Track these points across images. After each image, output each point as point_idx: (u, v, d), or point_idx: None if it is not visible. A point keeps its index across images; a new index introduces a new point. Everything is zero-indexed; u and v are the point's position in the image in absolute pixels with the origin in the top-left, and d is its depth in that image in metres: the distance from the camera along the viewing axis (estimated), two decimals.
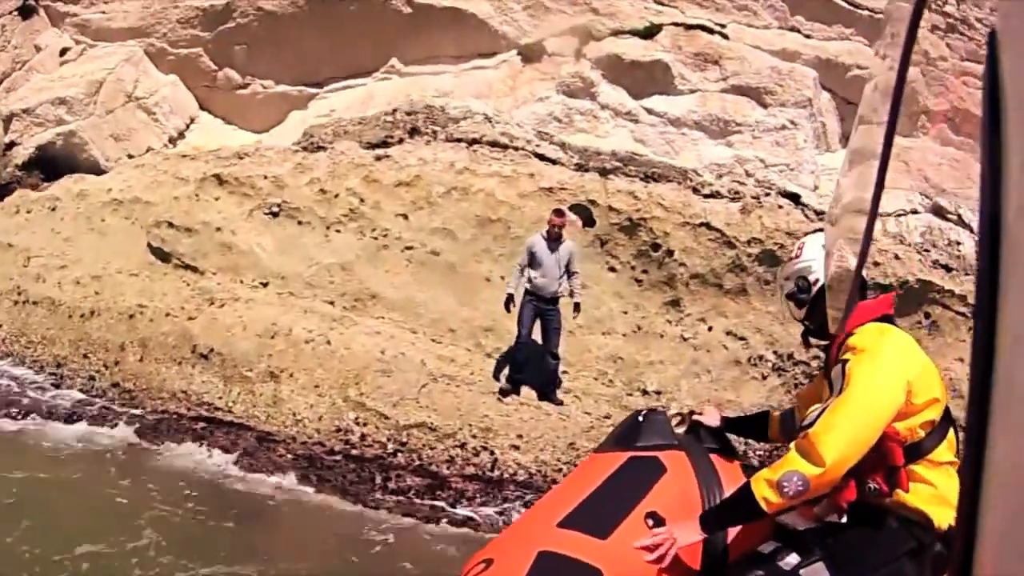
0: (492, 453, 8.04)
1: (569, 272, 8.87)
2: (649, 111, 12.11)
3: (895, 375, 2.39)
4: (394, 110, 11.29)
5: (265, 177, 10.65)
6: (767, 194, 11.34)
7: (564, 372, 9.05)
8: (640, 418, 2.89)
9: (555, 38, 12.89)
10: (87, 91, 14.16)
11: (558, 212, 8.95)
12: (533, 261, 8.77)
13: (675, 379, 9.45)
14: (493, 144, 10.73)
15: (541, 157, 10.72)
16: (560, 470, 7.73)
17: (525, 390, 8.85)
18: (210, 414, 9.00)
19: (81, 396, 9.65)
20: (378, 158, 10.61)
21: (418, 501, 7.58)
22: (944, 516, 2.34)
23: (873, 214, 1.18)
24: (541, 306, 8.77)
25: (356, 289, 9.81)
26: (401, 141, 10.86)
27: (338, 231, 10.24)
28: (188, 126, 14.60)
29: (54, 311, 10.60)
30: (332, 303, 9.77)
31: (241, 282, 10.11)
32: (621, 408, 8.64)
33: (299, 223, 10.37)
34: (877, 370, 2.38)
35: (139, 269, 10.71)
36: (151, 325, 9.90)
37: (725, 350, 9.52)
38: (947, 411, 2.48)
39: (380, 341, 9.23)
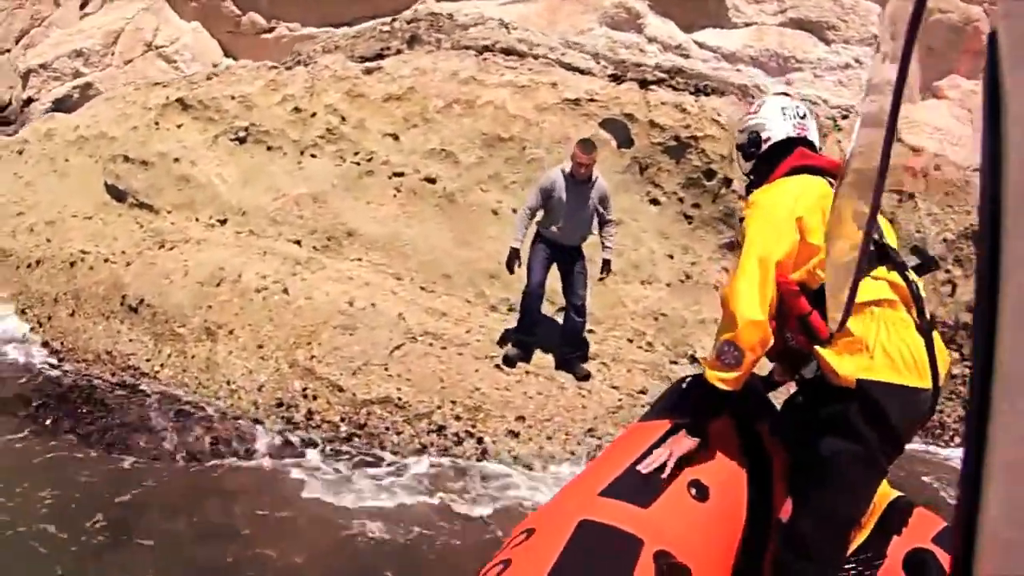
0: (480, 441, 5.04)
1: (602, 221, 5.70)
2: (700, 45, 9.51)
3: (781, 216, 2.19)
4: (393, 19, 8.19)
5: (232, 98, 7.77)
6: (844, 116, 8.08)
7: (590, 331, 5.88)
8: (684, 385, 2.66)
9: None
10: (104, 42, 12.08)
11: (585, 146, 5.56)
12: (550, 205, 5.64)
13: None
14: (508, 52, 7.59)
15: (567, 67, 7.49)
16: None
17: (537, 355, 5.70)
18: (135, 380, 6.16)
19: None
20: (368, 71, 7.61)
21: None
22: (855, 367, 2.05)
23: (875, 209, 1.14)
24: (558, 252, 5.64)
25: (329, 225, 6.83)
26: (399, 52, 7.75)
27: (313, 155, 7.29)
28: None
29: (3, 262, 7.95)
30: (298, 242, 6.83)
31: (197, 220, 7.19)
32: (661, 379, 5.52)
33: (268, 148, 7.47)
34: (763, 216, 2.23)
35: (95, 211, 7.96)
36: (89, 274, 7.17)
37: None
38: (878, 250, 2.17)
39: (350, 289, 6.25)
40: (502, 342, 5.84)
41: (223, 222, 7.18)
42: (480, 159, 7.01)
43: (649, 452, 2.24)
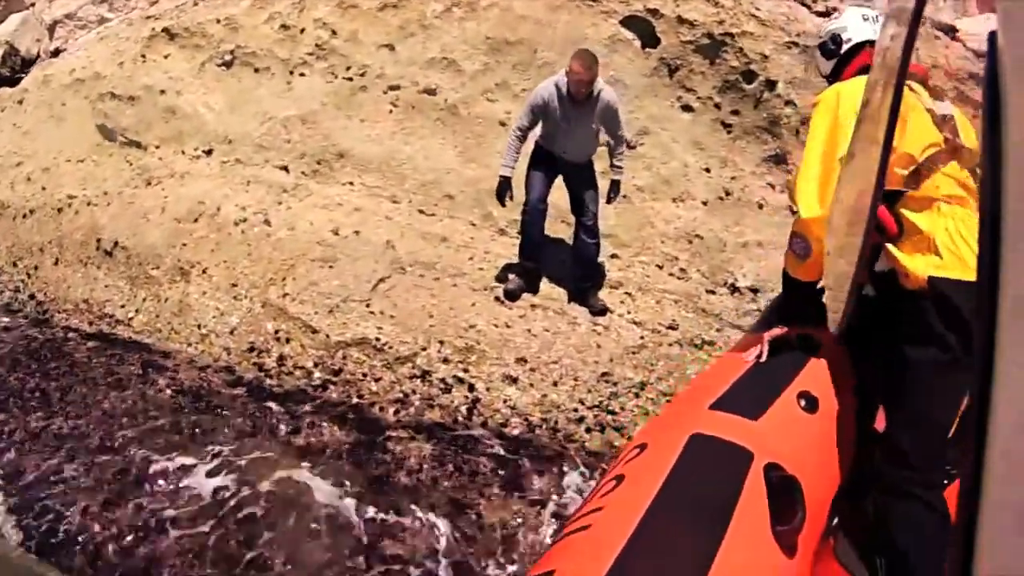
0: (472, 389, 4.05)
1: (613, 139, 4.52)
2: None
3: (845, 111, 2.10)
4: None
5: (217, 21, 6.81)
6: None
7: (613, 256, 4.78)
8: None
9: None
10: None
11: (583, 58, 4.22)
12: (545, 125, 4.49)
13: (779, 268, 4.92)
14: None
15: None
16: (581, 419, 3.57)
17: (548, 287, 4.65)
18: (110, 328, 5.38)
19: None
20: None
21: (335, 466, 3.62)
22: (925, 265, 1.99)
23: (875, 205, 1.17)
24: (562, 166, 4.62)
25: (318, 148, 5.87)
26: None
27: (302, 75, 6.29)
28: None
29: (2, 215, 7.20)
30: (285, 168, 5.85)
31: (183, 152, 6.30)
32: (696, 312, 4.43)
33: (255, 71, 6.52)
34: (827, 112, 2.16)
35: (87, 154, 7.14)
36: (73, 220, 6.43)
37: None
38: (952, 148, 2.10)
39: (338, 217, 5.29)
40: (505, 273, 4.79)
41: (209, 152, 6.29)
42: (485, 66, 5.88)
43: (759, 363, 2.20)
